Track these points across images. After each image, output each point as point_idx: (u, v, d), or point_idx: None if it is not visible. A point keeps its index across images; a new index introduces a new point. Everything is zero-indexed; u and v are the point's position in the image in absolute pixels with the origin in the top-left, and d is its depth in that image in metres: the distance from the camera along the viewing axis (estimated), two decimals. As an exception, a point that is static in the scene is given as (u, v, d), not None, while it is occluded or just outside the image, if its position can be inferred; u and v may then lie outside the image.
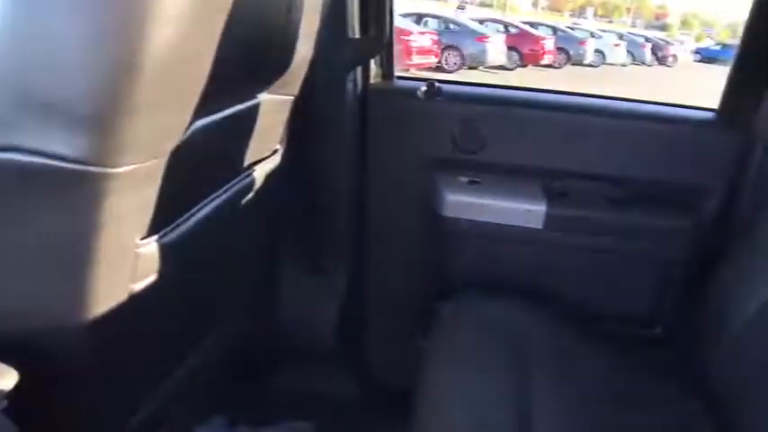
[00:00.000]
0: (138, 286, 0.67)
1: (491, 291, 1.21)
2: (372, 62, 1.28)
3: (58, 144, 0.52)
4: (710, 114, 1.25)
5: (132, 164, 0.55)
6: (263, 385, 1.40)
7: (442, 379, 0.95)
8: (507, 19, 14.94)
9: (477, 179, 1.25)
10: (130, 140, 0.54)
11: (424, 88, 1.26)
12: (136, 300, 0.67)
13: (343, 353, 1.39)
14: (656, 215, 1.21)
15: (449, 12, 14.87)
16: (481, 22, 13.00)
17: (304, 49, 0.92)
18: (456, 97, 1.27)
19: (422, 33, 10.63)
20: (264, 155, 1.01)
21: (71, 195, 0.55)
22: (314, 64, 1.04)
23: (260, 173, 0.99)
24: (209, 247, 0.86)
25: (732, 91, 1.20)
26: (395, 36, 1.30)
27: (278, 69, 0.88)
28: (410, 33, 10.18)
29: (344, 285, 1.35)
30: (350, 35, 1.18)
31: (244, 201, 0.95)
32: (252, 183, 0.96)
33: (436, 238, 1.28)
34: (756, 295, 0.90)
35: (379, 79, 1.30)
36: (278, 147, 1.07)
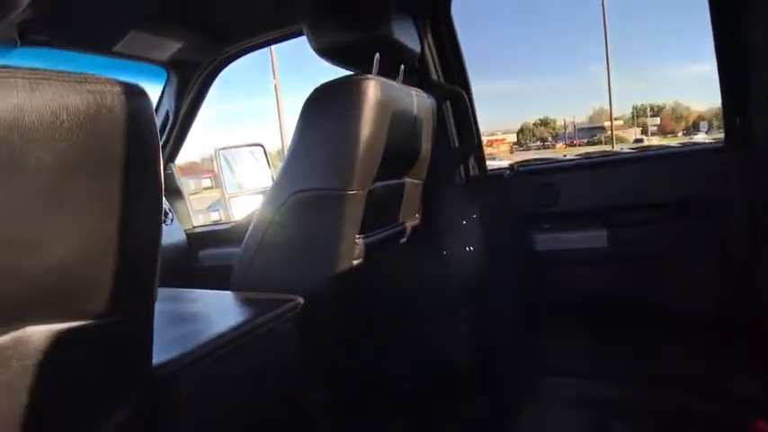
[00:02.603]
0: (356, 263, 1.31)
1: (576, 300, 1.71)
2: (471, 162, 1.95)
3: (328, 184, 1.22)
4: (720, 143, 1.73)
5: (355, 190, 1.23)
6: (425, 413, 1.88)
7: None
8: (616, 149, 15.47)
9: (556, 223, 1.80)
10: (354, 179, 1.23)
11: (508, 171, 1.89)
12: (354, 272, 1.31)
13: (479, 380, 1.87)
14: (690, 224, 1.66)
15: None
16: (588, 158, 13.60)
17: (424, 150, 1.60)
18: (531, 172, 1.88)
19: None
20: (410, 216, 1.66)
21: (334, 206, 1.23)
22: (433, 163, 1.74)
23: (408, 226, 1.64)
24: (382, 258, 1.50)
25: (728, 122, 1.67)
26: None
27: (411, 161, 1.56)
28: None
29: (473, 322, 1.88)
30: (452, 145, 1.88)
31: (400, 240, 1.60)
32: (404, 231, 1.61)
33: (533, 270, 1.81)
34: None
35: (476, 172, 1.96)
36: (418, 214, 1.73)
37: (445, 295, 1.90)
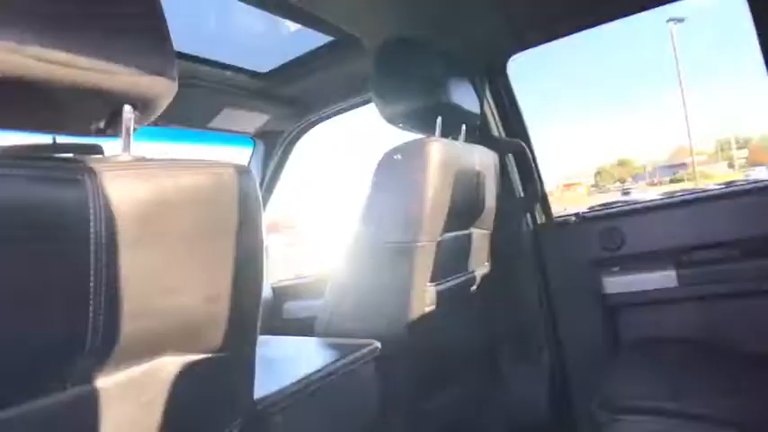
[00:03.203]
0: (427, 309, 1.42)
1: (649, 341, 1.71)
2: (538, 210, 2.03)
3: (400, 237, 1.35)
4: None
5: (424, 242, 1.35)
6: None
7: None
8: (700, 186, 14.77)
9: (625, 266, 1.83)
10: (423, 232, 1.35)
11: (573, 218, 1.95)
12: (426, 318, 1.41)
13: (554, 423, 1.89)
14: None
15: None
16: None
17: (489, 202, 1.71)
18: (596, 218, 1.93)
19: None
20: (480, 264, 1.76)
21: (406, 257, 1.35)
22: (499, 213, 1.83)
23: (478, 274, 1.73)
24: (454, 305, 1.59)
25: None
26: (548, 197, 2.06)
27: (477, 213, 1.67)
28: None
29: (548, 367, 1.92)
30: (516, 196, 1.97)
31: (471, 288, 1.69)
32: (474, 279, 1.70)
33: (605, 312, 1.84)
34: None
35: (542, 220, 2.03)
36: (487, 263, 1.82)
37: (517, 340, 1.95)
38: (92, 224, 0.58)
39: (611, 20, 1.70)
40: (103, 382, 0.65)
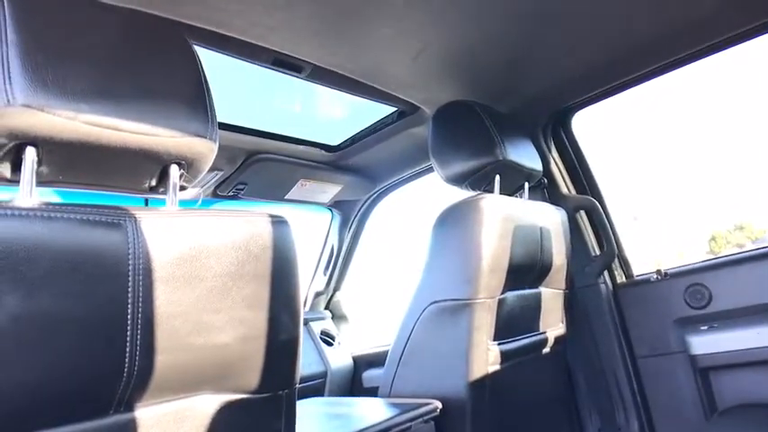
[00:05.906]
0: (491, 369, 1.37)
1: (747, 407, 1.54)
2: (616, 268, 1.93)
3: (458, 294, 1.34)
4: None
5: (483, 298, 1.34)
6: None
7: None
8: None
9: (714, 324, 1.68)
10: (481, 289, 1.34)
11: (655, 275, 1.84)
12: (489, 377, 1.37)
13: None
14: None
15: None
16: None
17: (557, 260, 1.66)
18: (679, 274, 1.80)
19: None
20: (553, 325, 1.68)
21: (464, 314, 1.34)
22: (573, 272, 1.77)
23: (551, 335, 1.65)
24: (524, 366, 1.52)
25: None
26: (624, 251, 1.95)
27: (543, 271, 1.62)
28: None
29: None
30: (591, 254, 1.89)
31: (543, 349, 1.62)
32: (546, 339, 1.63)
33: (694, 375, 1.68)
34: None
35: (622, 279, 1.92)
36: (561, 324, 1.74)
37: (601, 406, 1.82)
38: (130, 262, 0.65)
39: (682, 65, 1.62)
40: (143, 412, 0.70)
